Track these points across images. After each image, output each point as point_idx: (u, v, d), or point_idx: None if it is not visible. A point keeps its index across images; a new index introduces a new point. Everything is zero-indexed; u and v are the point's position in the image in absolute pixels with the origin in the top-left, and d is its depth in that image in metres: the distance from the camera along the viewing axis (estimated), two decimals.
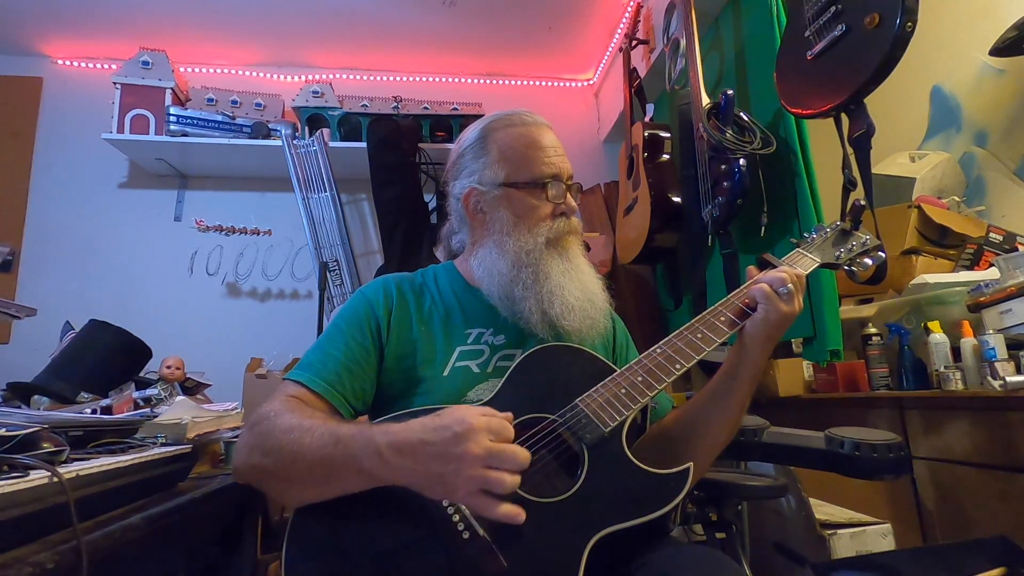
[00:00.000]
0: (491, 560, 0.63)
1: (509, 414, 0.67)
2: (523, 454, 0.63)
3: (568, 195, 0.95)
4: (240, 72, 2.96)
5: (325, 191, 2.61)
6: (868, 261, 0.96)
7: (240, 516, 1.11)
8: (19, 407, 1.28)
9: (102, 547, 0.61)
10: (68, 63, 2.86)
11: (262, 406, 0.77)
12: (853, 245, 0.97)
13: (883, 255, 0.99)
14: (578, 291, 0.90)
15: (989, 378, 1.26)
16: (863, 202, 1.01)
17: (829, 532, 1.24)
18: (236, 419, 1.20)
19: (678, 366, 0.78)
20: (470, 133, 1.00)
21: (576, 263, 0.93)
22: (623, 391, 0.77)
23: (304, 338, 2.52)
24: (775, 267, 0.86)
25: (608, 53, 3.00)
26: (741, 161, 1.67)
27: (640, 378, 0.78)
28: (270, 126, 2.62)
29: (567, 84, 3.27)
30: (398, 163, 2.61)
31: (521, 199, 0.93)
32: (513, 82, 3.20)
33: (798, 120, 1.70)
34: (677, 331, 0.83)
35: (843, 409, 1.68)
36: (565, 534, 0.66)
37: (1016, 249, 1.66)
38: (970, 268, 1.71)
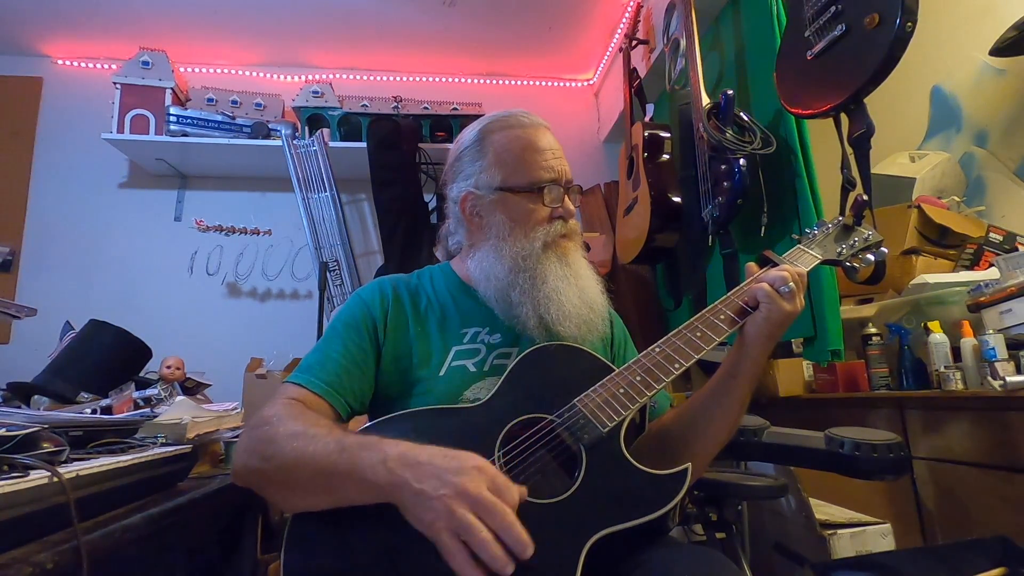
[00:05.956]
0: None
1: (524, 489, 0.64)
2: (516, 529, 0.58)
3: (566, 198, 0.93)
4: (240, 72, 2.96)
5: (325, 191, 2.62)
6: (870, 257, 0.96)
7: (240, 516, 1.11)
8: (19, 407, 1.27)
9: (102, 547, 0.61)
10: (68, 63, 2.86)
11: (263, 410, 0.77)
12: (855, 241, 0.96)
13: (885, 251, 0.99)
14: (575, 296, 0.90)
15: (989, 378, 1.26)
16: (865, 198, 1.01)
17: (829, 532, 1.24)
18: (236, 419, 1.20)
19: (677, 365, 0.77)
20: (468, 135, 0.99)
21: (575, 268, 0.92)
22: (621, 391, 0.76)
23: (304, 338, 2.52)
24: (775, 264, 0.86)
25: (608, 53, 2.99)
26: (741, 161, 1.67)
27: (639, 377, 0.77)
28: (270, 126, 2.62)
29: (567, 84, 3.27)
30: (398, 163, 2.61)
31: (517, 203, 0.92)
32: (513, 82, 3.20)
33: (798, 120, 1.70)
34: (676, 330, 0.82)
35: (843, 409, 1.68)
36: (563, 536, 0.65)
37: (1016, 249, 1.66)
38: (970, 268, 1.71)
